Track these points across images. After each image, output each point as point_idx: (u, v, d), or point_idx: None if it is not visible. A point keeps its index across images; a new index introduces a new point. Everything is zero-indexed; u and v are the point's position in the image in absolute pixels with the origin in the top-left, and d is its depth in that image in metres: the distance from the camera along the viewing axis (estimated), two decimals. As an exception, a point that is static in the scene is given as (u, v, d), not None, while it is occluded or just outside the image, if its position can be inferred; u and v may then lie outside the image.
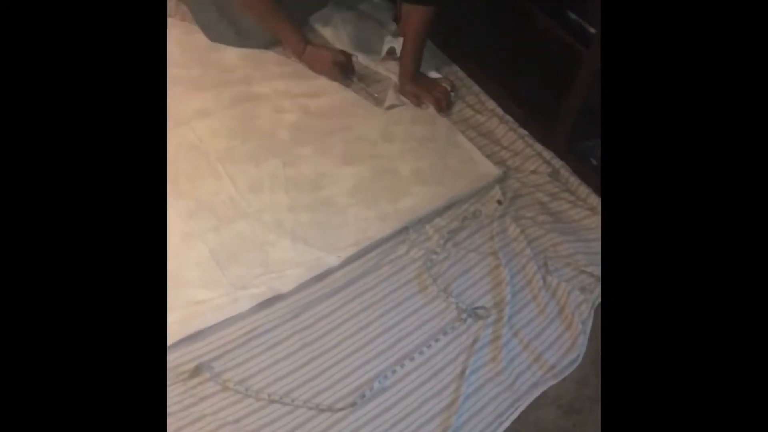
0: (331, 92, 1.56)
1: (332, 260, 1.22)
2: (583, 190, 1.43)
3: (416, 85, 1.56)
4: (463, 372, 1.10)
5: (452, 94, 1.59)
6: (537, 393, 1.10)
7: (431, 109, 1.55)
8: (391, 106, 1.55)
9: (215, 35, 1.63)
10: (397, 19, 1.58)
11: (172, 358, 1.06)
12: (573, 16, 1.42)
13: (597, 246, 1.31)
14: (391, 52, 1.56)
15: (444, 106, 1.56)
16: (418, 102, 1.56)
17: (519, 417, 1.07)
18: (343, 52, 1.56)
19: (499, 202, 1.38)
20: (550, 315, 1.20)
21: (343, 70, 1.55)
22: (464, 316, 1.18)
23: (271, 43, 1.63)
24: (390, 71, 1.61)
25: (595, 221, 1.36)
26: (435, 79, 1.61)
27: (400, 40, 1.54)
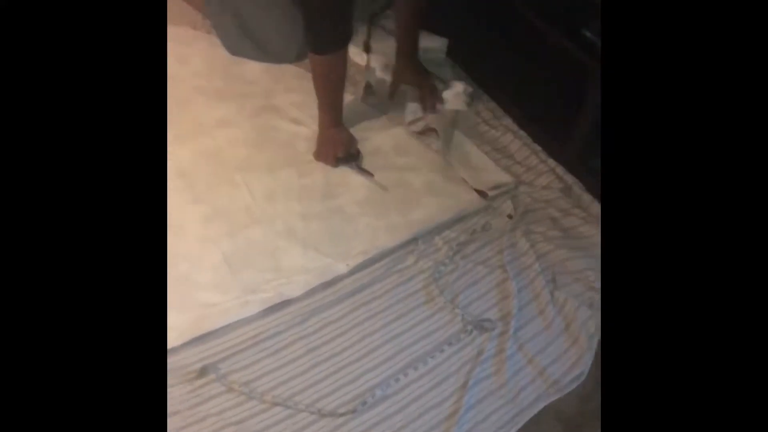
0: (346, 106, 1.58)
1: (341, 268, 1.24)
2: (595, 206, 1.42)
3: (413, 75, 1.56)
4: (465, 383, 1.11)
5: (467, 105, 1.61)
6: (539, 407, 1.10)
7: (446, 124, 1.57)
8: (413, 122, 1.56)
9: (235, 49, 1.68)
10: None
11: (180, 359, 1.09)
12: (588, 34, 1.43)
13: (607, 263, 1.31)
14: (367, 87, 1.55)
15: (429, 105, 1.55)
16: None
17: (520, 430, 1.07)
18: (353, 145, 1.46)
19: (510, 217, 1.38)
20: (556, 330, 1.20)
21: (343, 154, 1.43)
22: (470, 327, 1.18)
23: (288, 59, 1.67)
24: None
25: (606, 238, 1.36)
26: (430, 73, 1.61)
27: (374, 73, 1.51)
